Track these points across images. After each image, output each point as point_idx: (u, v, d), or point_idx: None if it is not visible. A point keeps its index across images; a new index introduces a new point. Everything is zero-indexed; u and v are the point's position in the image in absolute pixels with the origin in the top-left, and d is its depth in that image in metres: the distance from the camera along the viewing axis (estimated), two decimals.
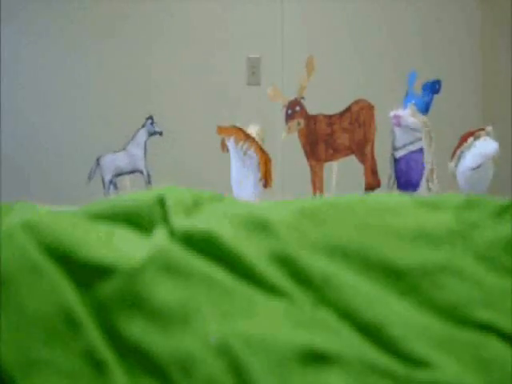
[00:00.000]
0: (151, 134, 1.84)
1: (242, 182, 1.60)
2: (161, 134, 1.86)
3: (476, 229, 0.77)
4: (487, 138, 1.53)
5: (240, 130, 1.60)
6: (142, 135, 1.83)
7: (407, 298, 0.69)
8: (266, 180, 1.61)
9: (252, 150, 1.59)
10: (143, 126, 1.85)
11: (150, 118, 1.85)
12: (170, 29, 3.05)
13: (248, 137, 1.59)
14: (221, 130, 1.62)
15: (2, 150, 3.00)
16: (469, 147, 1.53)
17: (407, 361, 0.62)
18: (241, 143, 1.58)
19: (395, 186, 1.62)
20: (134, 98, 3.01)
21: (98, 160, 1.83)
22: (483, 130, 1.54)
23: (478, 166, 1.50)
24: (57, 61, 3.07)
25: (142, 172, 1.81)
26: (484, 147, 1.51)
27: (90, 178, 1.83)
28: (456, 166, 1.54)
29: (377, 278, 0.70)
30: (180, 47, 3.04)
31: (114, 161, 1.82)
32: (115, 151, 1.84)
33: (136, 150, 1.81)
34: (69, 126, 3.06)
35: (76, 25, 3.05)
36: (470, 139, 1.53)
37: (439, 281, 0.70)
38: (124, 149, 1.83)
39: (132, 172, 1.82)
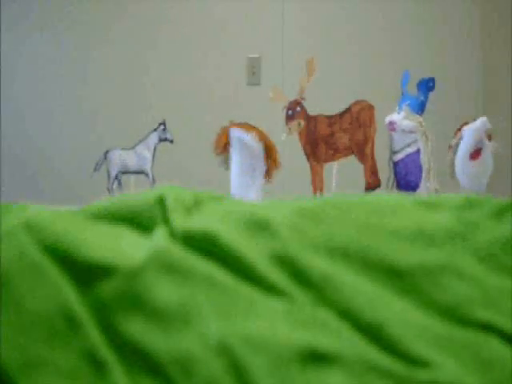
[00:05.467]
0: (162, 139, 1.83)
1: (246, 175, 1.57)
2: (171, 141, 1.84)
3: (476, 229, 0.77)
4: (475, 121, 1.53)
5: (248, 124, 1.57)
6: (153, 139, 1.82)
7: (407, 297, 0.69)
8: (272, 167, 1.58)
9: (261, 141, 1.55)
10: (155, 130, 1.84)
11: (163, 123, 1.84)
12: (170, 29, 3.05)
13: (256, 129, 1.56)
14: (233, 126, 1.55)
15: (2, 150, 3.00)
16: (461, 137, 1.53)
17: (407, 361, 0.63)
18: (252, 134, 1.53)
19: (394, 187, 1.62)
20: (134, 98, 3.01)
21: (105, 153, 1.82)
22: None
23: (475, 149, 1.50)
24: (57, 61, 3.07)
25: (147, 174, 1.80)
26: (473, 125, 1.52)
27: (95, 169, 1.82)
28: (454, 156, 1.54)
29: (377, 278, 0.70)
30: (180, 47, 3.04)
31: (122, 157, 1.80)
32: (124, 148, 1.82)
33: (145, 152, 1.81)
34: (68, 125, 3.06)
35: (78, 25, 3.05)
36: (462, 129, 1.54)
37: (439, 281, 0.70)
38: (133, 148, 1.82)
39: (137, 172, 1.81)
